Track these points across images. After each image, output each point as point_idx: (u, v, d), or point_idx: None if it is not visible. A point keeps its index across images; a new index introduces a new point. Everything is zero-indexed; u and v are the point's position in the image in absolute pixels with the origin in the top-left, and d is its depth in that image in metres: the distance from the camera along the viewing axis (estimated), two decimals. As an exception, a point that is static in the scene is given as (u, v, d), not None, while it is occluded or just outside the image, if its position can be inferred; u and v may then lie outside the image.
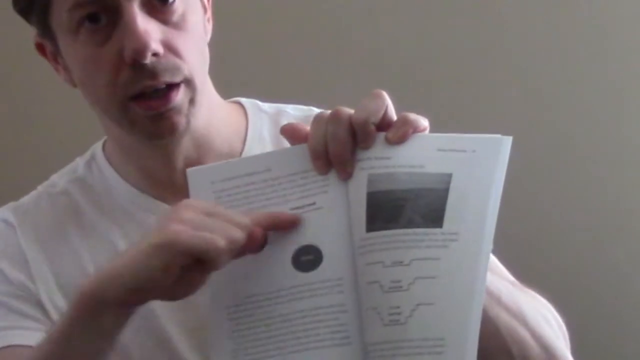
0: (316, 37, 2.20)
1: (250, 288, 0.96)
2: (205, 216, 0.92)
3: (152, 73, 1.04)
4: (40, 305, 1.12)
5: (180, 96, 1.06)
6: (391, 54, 2.16)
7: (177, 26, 1.06)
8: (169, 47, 1.05)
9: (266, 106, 1.23)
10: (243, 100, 1.24)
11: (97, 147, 1.22)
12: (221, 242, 0.90)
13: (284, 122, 1.19)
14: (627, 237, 2.16)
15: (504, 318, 0.99)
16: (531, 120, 2.11)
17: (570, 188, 2.15)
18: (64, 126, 2.17)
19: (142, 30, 1.02)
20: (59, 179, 1.21)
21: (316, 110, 1.22)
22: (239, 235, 0.92)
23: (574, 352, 1.05)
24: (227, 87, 1.21)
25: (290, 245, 0.96)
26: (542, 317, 1.04)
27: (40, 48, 1.13)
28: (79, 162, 1.22)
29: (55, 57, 1.12)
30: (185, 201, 0.95)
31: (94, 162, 1.20)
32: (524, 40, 2.14)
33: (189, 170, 1.00)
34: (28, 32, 1.14)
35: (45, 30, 1.10)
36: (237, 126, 1.20)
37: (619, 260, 2.15)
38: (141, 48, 1.02)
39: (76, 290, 0.95)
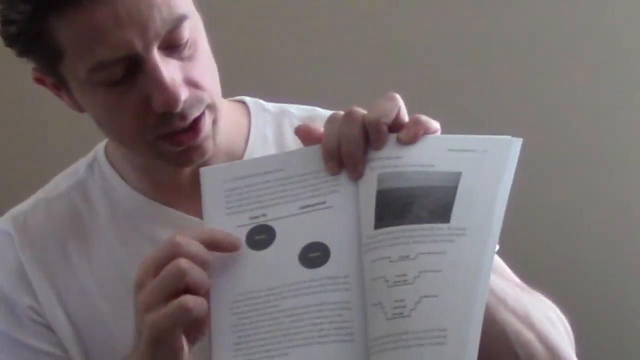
0: (320, 36, 2.20)
1: (255, 283, 0.97)
2: (154, 277, 0.92)
3: (182, 115, 1.03)
4: (48, 328, 1.12)
5: (206, 124, 1.06)
6: (396, 55, 2.17)
7: (191, 57, 1.04)
8: (190, 82, 1.03)
9: (270, 106, 1.23)
10: (247, 99, 1.23)
11: (100, 147, 1.20)
12: (189, 302, 0.91)
13: (287, 122, 1.21)
14: (635, 236, 2.17)
15: (510, 321, 1.00)
16: (537, 121, 2.12)
17: (577, 188, 2.16)
18: (67, 126, 2.13)
19: (170, 81, 1.00)
20: (60, 182, 1.19)
21: (319, 110, 1.23)
22: (198, 276, 0.93)
23: (579, 353, 1.06)
24: (231, 85, 1.19)
25: (298, 242, 0.97)
26: (547, 319, 1.04)
27: (39, 80, 1.09)
28: (81, 164, 1.20)
29: (57, 87, 1.08)
30: (134, 283, 0.95)
31: (96, 163, 1.18)
32: (534, 40, 2.15)
33: (202, 170, 1.01)
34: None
35: (52, 71, 1.06)
36: (240, 125, 1.19)
37: (625, 261, 2.16)
38: (173, 102, 1.01)
39: None
